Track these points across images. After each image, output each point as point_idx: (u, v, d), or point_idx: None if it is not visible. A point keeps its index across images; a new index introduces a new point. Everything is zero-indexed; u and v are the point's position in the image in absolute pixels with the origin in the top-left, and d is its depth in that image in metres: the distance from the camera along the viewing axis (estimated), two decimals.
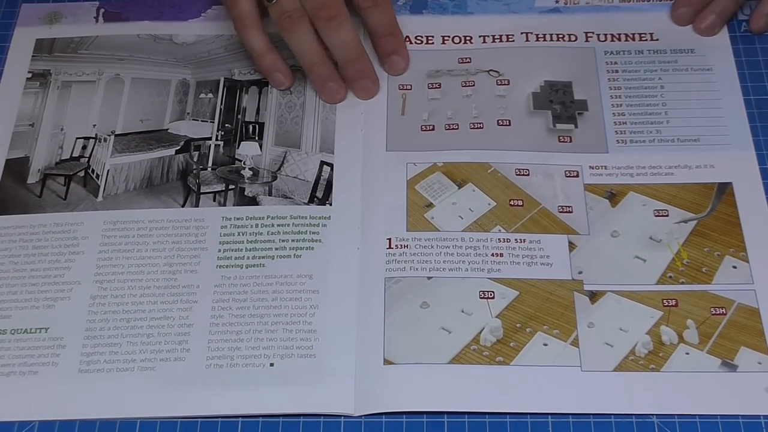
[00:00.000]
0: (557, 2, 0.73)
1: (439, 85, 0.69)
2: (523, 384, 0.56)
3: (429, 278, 0.59)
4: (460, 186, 0.64)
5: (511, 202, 0.63)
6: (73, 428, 0.56)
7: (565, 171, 0.64)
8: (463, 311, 0.59)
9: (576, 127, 0.66)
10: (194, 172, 0.66)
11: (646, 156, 0.65)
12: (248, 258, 0.61)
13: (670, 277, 0.60)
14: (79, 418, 0.56)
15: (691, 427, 0.55)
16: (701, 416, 0.55)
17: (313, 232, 0.62)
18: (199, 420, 0.56)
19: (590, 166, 0.64)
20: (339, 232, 0.62)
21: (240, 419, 0.56)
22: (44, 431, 0.56)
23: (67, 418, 0.56)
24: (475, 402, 0.55)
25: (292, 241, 0.61)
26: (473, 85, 0.69)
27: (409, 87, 0.69)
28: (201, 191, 0.65)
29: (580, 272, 0.60)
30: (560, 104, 0.67)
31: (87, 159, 0.67)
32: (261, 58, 0.68)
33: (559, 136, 0.66)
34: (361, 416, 0.55)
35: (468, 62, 0.70)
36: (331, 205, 0.63)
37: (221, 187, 0.65)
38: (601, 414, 0.55)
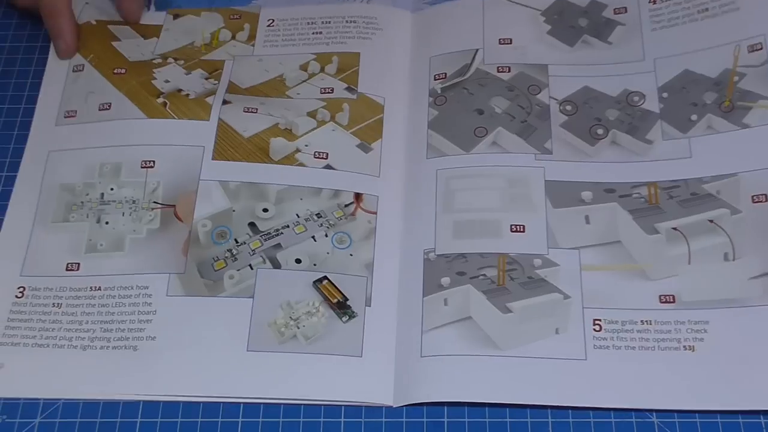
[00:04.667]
0: None
1: None
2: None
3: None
4: None
5: None
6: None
7: None
8: None
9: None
10: None
11: None
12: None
13: None
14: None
15: (691, 427, 0.54)
16: (701, 415, 0.54)
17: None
18: (242, 403, 0.56)
19: None
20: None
21: (282, 405, 0.56)
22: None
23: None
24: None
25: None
26: None
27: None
28: None
29: None
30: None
31: None
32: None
33: None
34: (400, 406, 0.56)
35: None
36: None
37: None
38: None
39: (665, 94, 0.65)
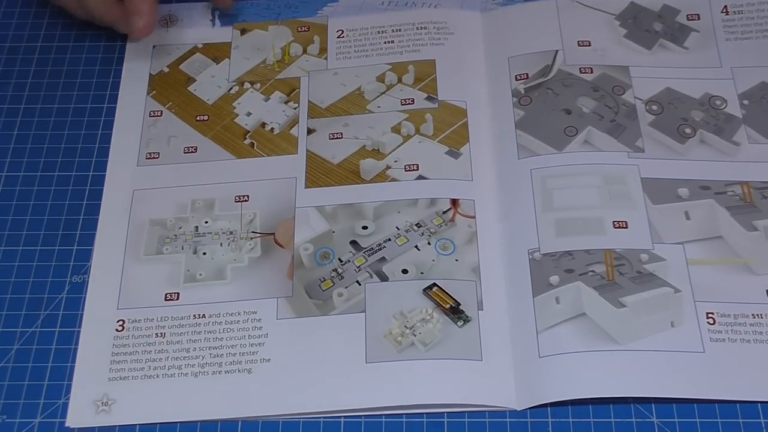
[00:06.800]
0: None
1: None
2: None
3: None
4: None
5: None
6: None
7: None
8: None
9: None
10: None
11: None
12: None
13: None
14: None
15: (691, 427, 0.55)
16: (701, 415, 0.55)
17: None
18: (363, 416, 0.55)
19: None
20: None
21: (404, 415, 0.56)
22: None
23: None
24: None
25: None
26: None
27: None
28: None
29: None
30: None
31: None
32: None
33: None
34: (524, 410, 0.55)
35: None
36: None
37: None
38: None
39: (746, 102, 0.66)
